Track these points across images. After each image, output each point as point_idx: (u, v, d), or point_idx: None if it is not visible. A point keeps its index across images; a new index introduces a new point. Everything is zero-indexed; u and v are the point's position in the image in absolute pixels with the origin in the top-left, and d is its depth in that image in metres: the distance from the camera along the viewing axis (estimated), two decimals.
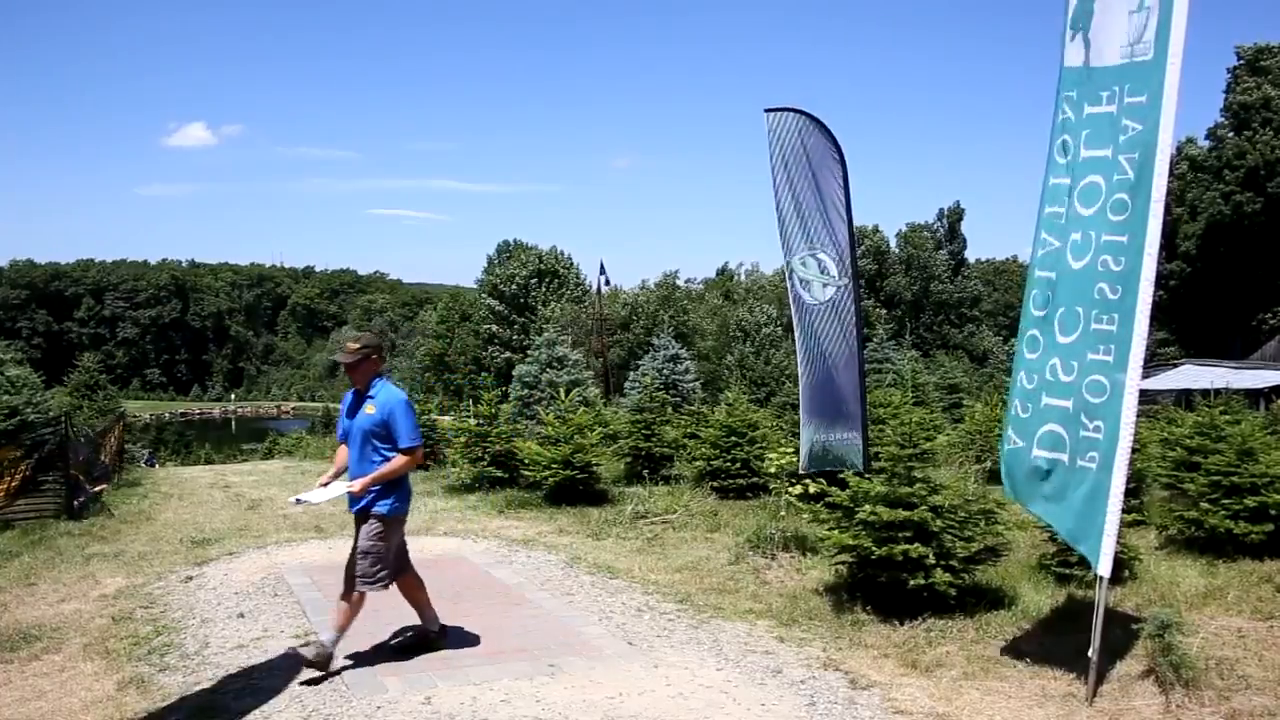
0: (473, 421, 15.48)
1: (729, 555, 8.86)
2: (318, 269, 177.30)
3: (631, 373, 32.42)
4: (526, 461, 12.82)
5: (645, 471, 13.93)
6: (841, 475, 7.77)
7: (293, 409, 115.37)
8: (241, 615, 7.18)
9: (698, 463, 12.98)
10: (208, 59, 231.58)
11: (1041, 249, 5.69)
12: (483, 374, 68.89)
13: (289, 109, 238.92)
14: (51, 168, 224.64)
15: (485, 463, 13.96)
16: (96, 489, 13.59)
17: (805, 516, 9.24)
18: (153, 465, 29.76)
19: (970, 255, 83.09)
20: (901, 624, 6.57)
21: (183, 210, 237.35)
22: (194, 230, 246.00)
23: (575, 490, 12.05)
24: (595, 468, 12.42)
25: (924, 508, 6.69)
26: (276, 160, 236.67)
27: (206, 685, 5.60)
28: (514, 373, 32.76)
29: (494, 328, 71.06)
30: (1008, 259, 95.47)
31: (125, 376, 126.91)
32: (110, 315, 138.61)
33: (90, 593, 8.02)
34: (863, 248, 73.62)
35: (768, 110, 8.15)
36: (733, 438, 12.49)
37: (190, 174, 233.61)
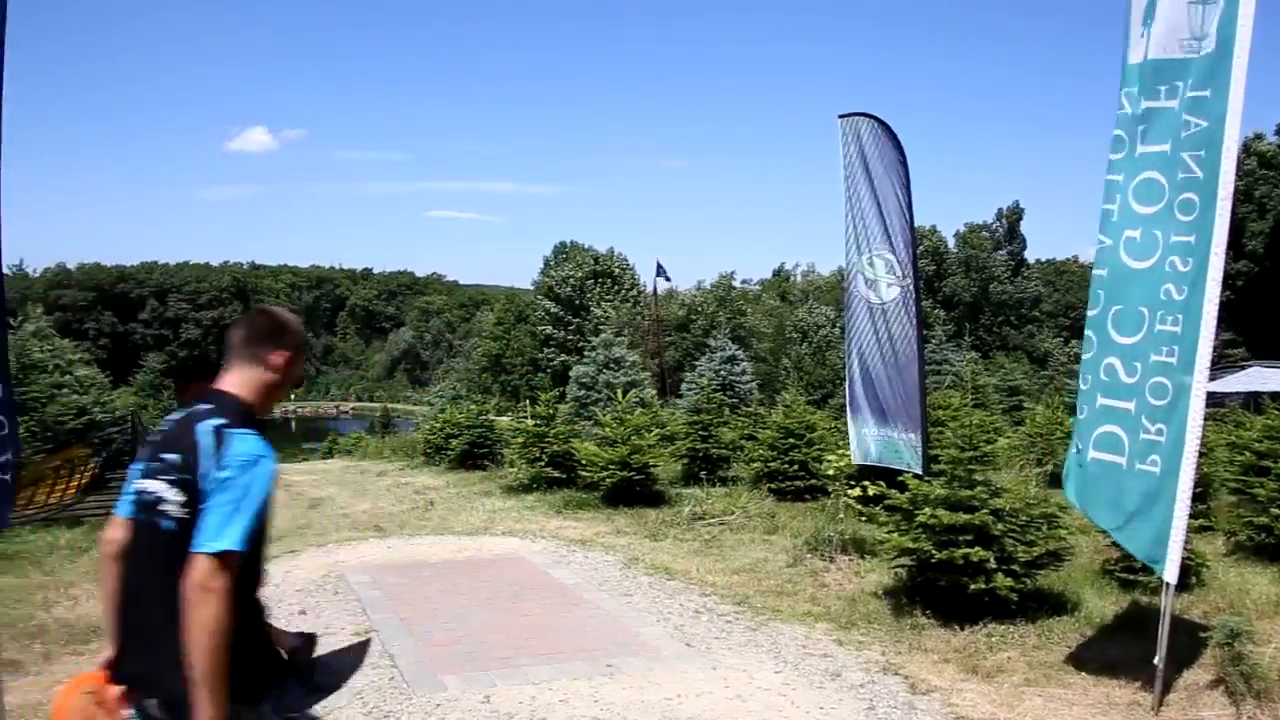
0: (530, 422, 15.60)
1: (787, 557, 8.86)
2: (376, 271, 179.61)
3: (688, 374, 32.43)
4: (584, 462, 12.88)
5: (702, 473, 13.94)
6: (901, 478, 7.74)
7: (351, 409, 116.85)
8: (303, 612, 7.31)
9: (755, 464, 12.95)
10: (268, 64, 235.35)
11: (1097, 247, 5.64)
12: (539, 375, 69.39)
13: (348, 113, 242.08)
14: (118, 172, 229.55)
15: (543, 463, 14.05)
16: None
17: (864, 519, 9.21)
18: None
19: (1030, 255, 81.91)
20: (962, 629, 6.52)
21: (244, 213, 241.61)
22: (255, 233, 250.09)
23: (632, 491, 12.09)
24: (652, 469, 12.45)
25: (985, 511, 6.64)
26: (336, 163, 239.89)
27: None
28: (571, 373, 32.94)
29: (549, 329, 71.41)
30: (1068, 259, 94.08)
31: (185, 380, 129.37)
32: (173, 316, 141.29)
33: None
34: (921, 248, 72.79)
35: (841, 116, 8.25)
36: (790, 439, 12.46)
37: (251, 177, 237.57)
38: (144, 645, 2.61)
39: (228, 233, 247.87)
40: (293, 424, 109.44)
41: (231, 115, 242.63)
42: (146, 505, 2.64)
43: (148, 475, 2.68)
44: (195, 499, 2.54)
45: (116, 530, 2.80)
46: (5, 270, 3.84)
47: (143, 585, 2.65)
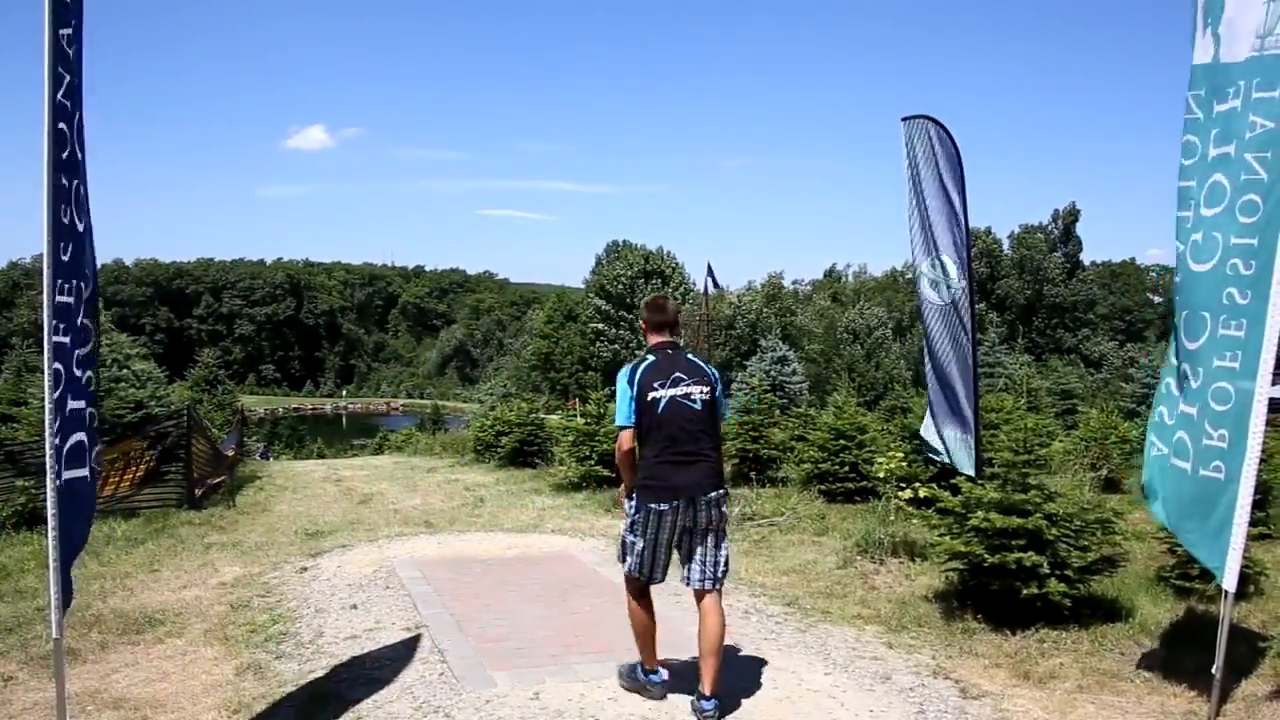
0: (580, 420, 15.69)
1: (837, 559, 8.83)
2: (428, 268, 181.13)
3: (739, 374, 32.35)
4: None
5: (752, 473, 13.92)
6: (954, 480, 7.69)
7: (402, 406, 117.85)
8: (354, 606, 7.41)
9: (805, 465, 12.92)
10: (325, 63, 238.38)
11: (1175, 252, 5.56)
12: (589, 373, 69.59)
13: (403, 111, 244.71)
14: (177, 170, 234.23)
15: (592, 461, 14.13)
16: (216, 480, 14.15)
17: (915, 521, 9.16)
18: (267, 459, 30.79)
19: (1086, 257, 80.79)
20: (1013, 634, 6.47)
21: (300, 211, 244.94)
22: (309, 230, 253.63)
23: None
24: None
25: (1038, 515, 6.58)
26: (390, 161, 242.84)
27: (320, 674, 5.81)
28: (619, 373, 32.93)
29: (601, 326, 71.64)
30: (1125, 261, 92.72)
31: (241, 372, 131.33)
32: (228, 312, 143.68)
33: (210, 580, 8.37)
34: (974, 250, 72.10)
35: (904, 119, 8.28)
36: (841, 441, 12.41)
37: (308, 175, 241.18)
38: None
39: (283, 230, 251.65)
40: (344, 420, 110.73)
41: (292, 114, 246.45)
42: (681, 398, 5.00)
43: (675, 385, 5.02)
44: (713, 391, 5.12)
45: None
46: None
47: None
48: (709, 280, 35.81)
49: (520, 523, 11.40)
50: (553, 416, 23.77)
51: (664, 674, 5.35)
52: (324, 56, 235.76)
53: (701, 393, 5.08)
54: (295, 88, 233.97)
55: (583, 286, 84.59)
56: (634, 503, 5.05)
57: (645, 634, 5.27)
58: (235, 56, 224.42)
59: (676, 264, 75.59)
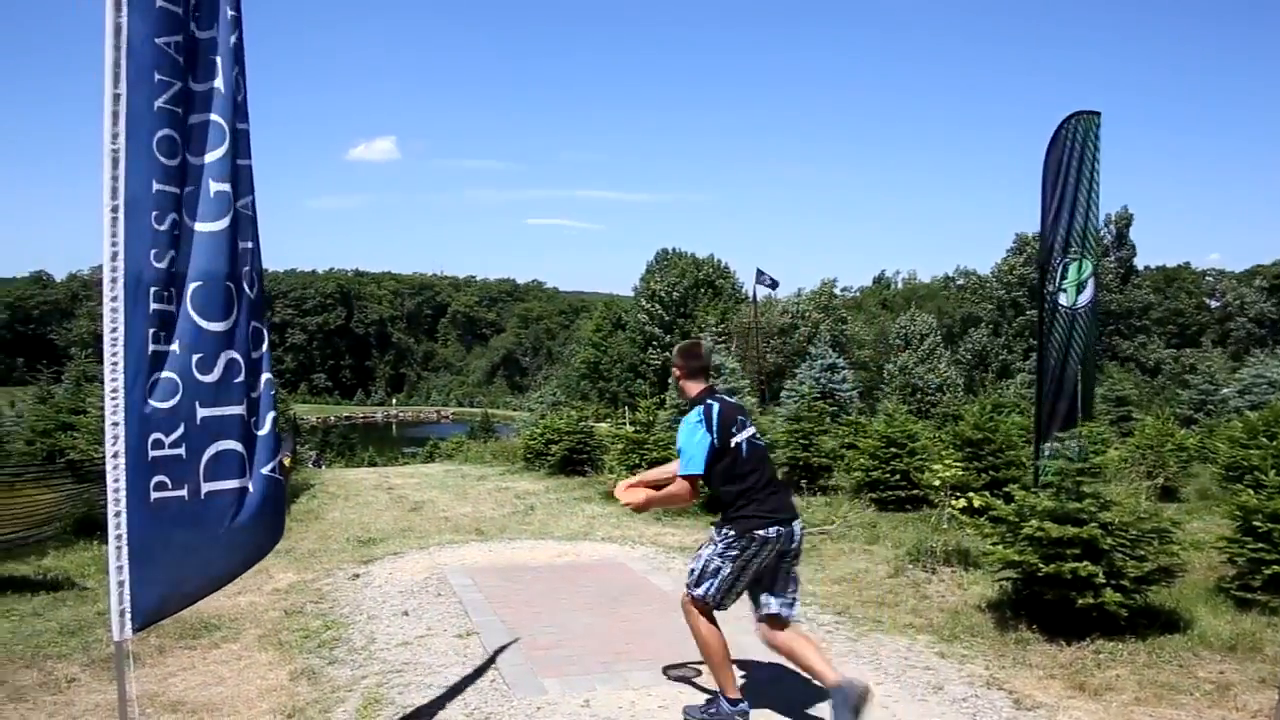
0: (629, 428, 15.73)
1: (888, 568, 8.79)
2: (477, 278, 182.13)
3: (788, 381, 32.24)
4: None
5: (803, 481, 13.88)
6: (1007, 489, 7.63)
7: (452, 414, 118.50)
8: (406, 613, 7.49)
9: (856, 473, 12.86)
10: (381, 74, 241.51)
11: None
12: (638, 381, 69.70)
13: (452, 123, 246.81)
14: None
15: (642, 469, 14.13)
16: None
17: (968, 530, 9.08)
18: (319, 466, 31.17)
19: (1139, 262, 79.40)
20: (1068, 644, 6.40)
21: (351, 222, 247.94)
22: (360, 240, 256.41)
23: None
24: None
25: (1094, 525, 6.51)
26: (440, 172, 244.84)
27: (373, 679, 5.89)
28: (670, 380, 32.98)
29: (654, 329, 71.77)
30: (1180, 265, 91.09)
31: (293, 381, 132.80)
32: (280, 322, 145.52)
33: (264, 586, 8.50)
34: (1024, 255, 71.39)
35: (1073, 115, 8.30)
36: (892, 449, 12.34)
37: (360, 186, 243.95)
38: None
39: (333, 240, 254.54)
40: (394, 428, 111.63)
41: (348, 125, 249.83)
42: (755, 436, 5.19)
43: (744, 428, 5.16)
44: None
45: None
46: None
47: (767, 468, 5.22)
48: (761, 284, 35.68)
49: (570, 530, 11.46)
50: (602, 425, 23.83)
51: (746, 703, 5.12)
52: (372, 66, 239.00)
53: (759, 431, 5.35)
54: (352, 100, 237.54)
55: (631, 295, 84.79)
56: (731, 530, 5.00)
57: (725, 659, 5.07)
58: (301, 70, 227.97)
59: (728, 272, 75.55)
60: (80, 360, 27.79)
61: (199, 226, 3.90)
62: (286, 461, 3.89)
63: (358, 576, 8.90)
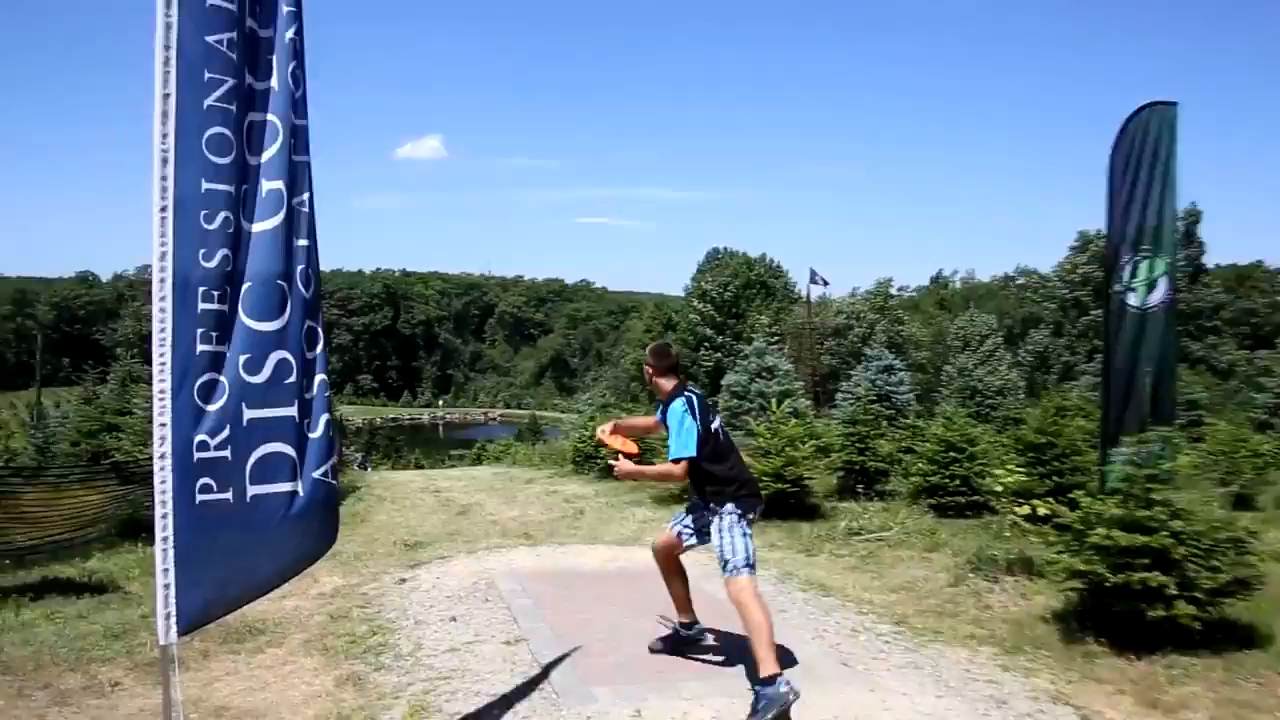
0: None
1: (948, 576, 8.67)
2: (525, 277, 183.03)
3: (843, 383, 32.05)
4: None
5: (859, 486, 13.77)
6: (1072, 495, 7.49)
7: (500, 416, 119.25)
8: (453, 619, 7.51)
9: (914, 478, 12.72)
10: (428, 73, 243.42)
11: None
12: (691, 382, 69.55)
13: (502, 120, 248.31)
14: None
15: None
16: None
17: (1032, 538, 8.94)
18: (366, 469, 31.45)
19: (1209, 260, 77.80)
20: (1138, 658, 6.26)
21: (398, 221, 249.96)
22: (406, 240, 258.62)
23: (786, 504, 12.00)
24: (807, 481, 12.33)
25: (1164, 533, 6.35)
26: (487, 171, 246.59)
27: (420, 686, 5.89)
28: (722, 382, 32.91)
29: (706, 329, 71.70)
30: (1252, 263, 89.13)
31: (339, 382, 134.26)
32: (326, 322, 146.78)
33: (309, 590, 8.55)
34: (1088, 253, 70.30)
35: (1143, 107, 8.20)
36: (951, 453, 12.18)
37: (407, 185, 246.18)
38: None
39: (380, 240, 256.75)
40: (441, 429, 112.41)
41: (394, 124, 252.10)
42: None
43: (715, 414, 6.15)
44: None
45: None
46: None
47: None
48: (815, 283, 35.52)
49: (621, 535, 11.44)
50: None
51: (784, 674, 5.35)
52: (418, 67, 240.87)
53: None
54: (398, 99, 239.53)
55: (682, 295, 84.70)
56: (735, 508, 5.86)
57: (772, 638, 5.42)
58: (335, 72, 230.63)
59: (781, 271, 75.26)
60: (126, 361, 28.27)
61: (252, 226, 3.92)
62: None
63: (404, 581, 8.95)
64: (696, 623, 6.62)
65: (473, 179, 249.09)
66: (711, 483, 5.93)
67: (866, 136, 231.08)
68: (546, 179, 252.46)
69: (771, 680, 5.23)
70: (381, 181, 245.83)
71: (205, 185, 3.72)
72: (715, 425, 6.01)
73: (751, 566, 5.67)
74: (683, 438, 5.78)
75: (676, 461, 5.83)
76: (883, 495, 13.52)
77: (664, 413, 6.06)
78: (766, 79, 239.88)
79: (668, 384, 6.08)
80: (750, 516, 5.90)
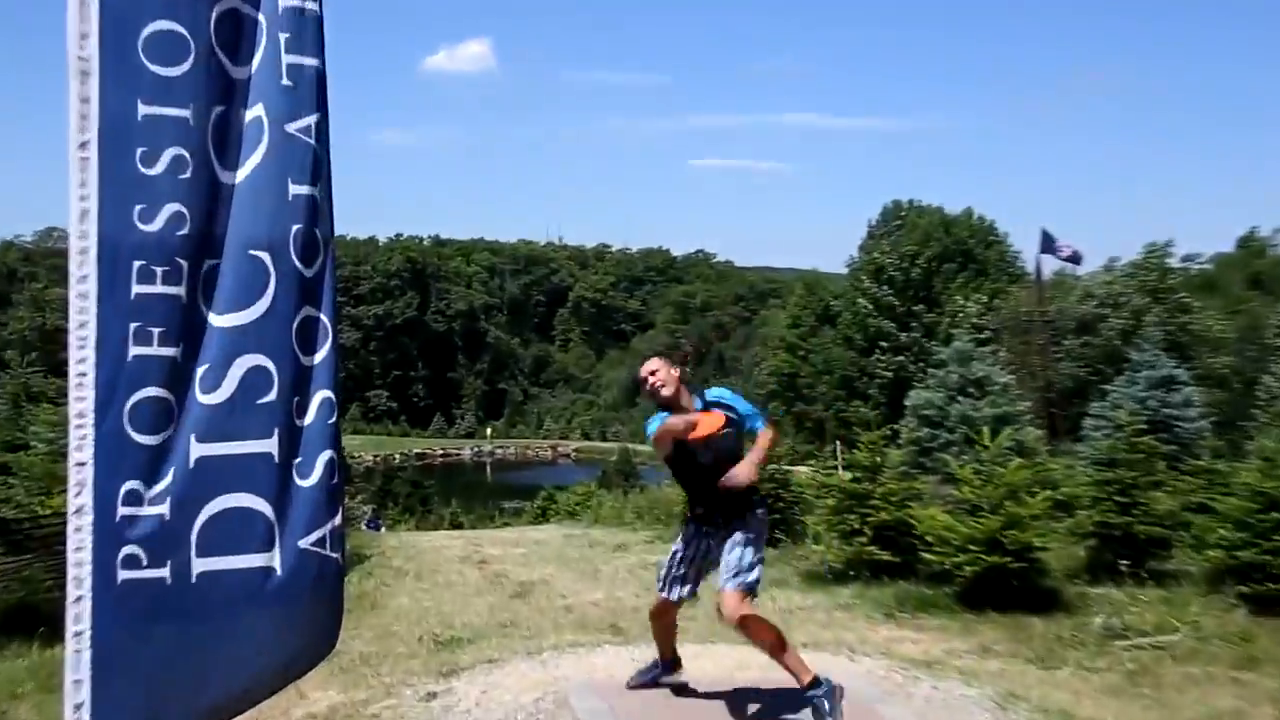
0: (844, 475, 15.56)
1: (1276, 710, 8.43)
2: (613, 248, 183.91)
3: (1094, 404, 31.54)
4: (929, 539, 12.71)
5: (1122, 562, 13.50)
6: None
7: (575, 451, 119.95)
8: None
9: (1213, 551, 12.43)
10: None
11: None
12: (855, 402, 69.25)
13: (575, 18, 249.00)
14: None
15: (864, 539, 13.98)
16: None
17: None
18: (377, 529, 31.88)
19: None
20: None
21: (425, 166, 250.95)
22: (440, 193, 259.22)
23: (1006, 587, 11.82)
24: (1038, 553, 12.14)
25: None
26: (555, 91, 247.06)
27: None
28: (906, 402, 32.69)
29: (882, 322, 71.32)
30: None
31: (342, 402, 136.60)
32: (338, 311, 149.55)
33: (293, 712, 8.54)
34: None
35: None
36: (1274, 514, 11.86)
37: (441, 113, 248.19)
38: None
39: (404, 193, 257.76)
40: (488, 470, 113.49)
41: (433, 26, 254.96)
42: None
43: None
44: None
45: None
46: None
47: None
48: (1052, 255, 35.08)
49: None
50: (801, 468, 23.69)
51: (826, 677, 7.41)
52: None
53: None
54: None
55: (844, 272, 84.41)
56: (764, 513, 7.91)
57: (792, 648, 7.55)
58: None
59: (994, 234, 74.47)
60: (19, 370, 28.85)
61: (222, 170, 3.88)
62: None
63: (433, 697, 8.97)
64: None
65: (534, 103, 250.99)
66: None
67: (1121, 35, 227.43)
68: (643, 102, 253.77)
69: (815, 683, 7.15)
70: (404, 107, 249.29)
71: (145, 109, 3.68)
72: None
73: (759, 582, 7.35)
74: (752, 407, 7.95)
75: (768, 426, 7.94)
76: (1161, 577, 13.24)
77: (707, 405, 7.64)
78: None
79: (683, 393, 7.66)
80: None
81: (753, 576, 7.22)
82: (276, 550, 3.92)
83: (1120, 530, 13.71)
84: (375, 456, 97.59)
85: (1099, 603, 11.67)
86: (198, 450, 3.76)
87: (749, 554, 7.26)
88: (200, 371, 3.78)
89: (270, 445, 3.91)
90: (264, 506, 3.89)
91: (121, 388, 3.62)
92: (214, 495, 3.80)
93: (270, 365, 3.92)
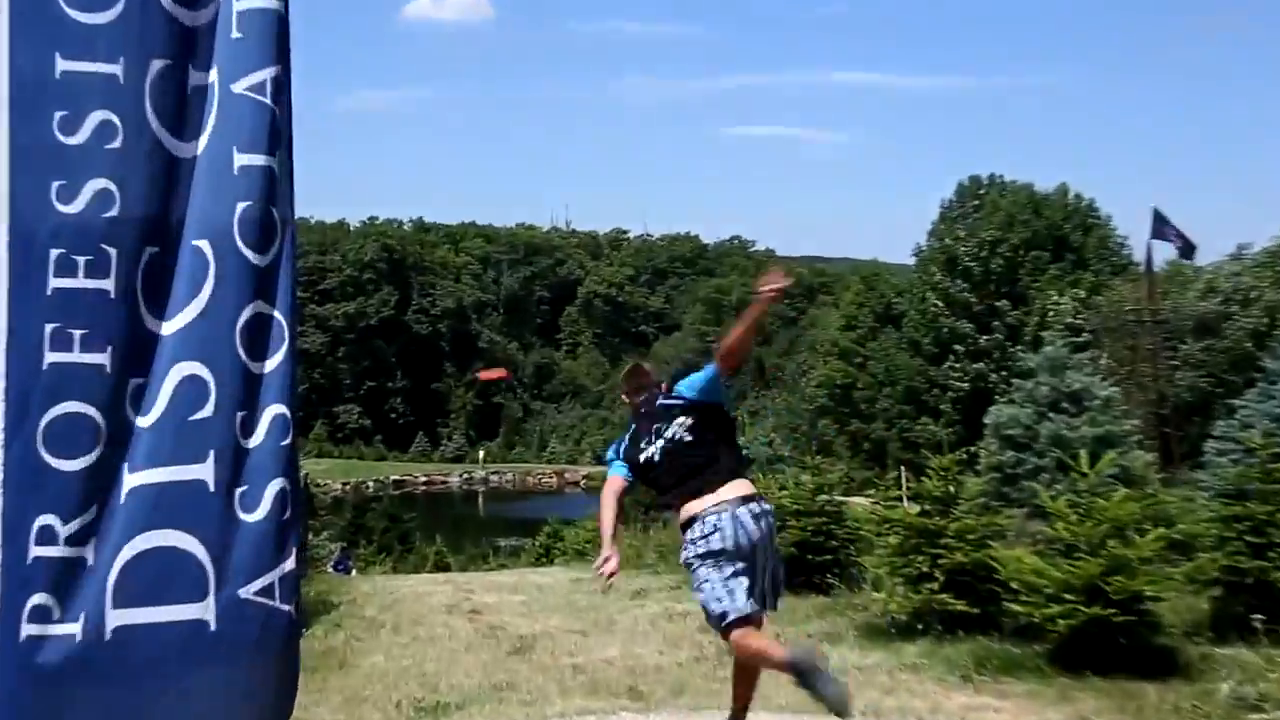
0: (910, 508, 15.53)
1: None
2: (630, 234, 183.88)
3: (1218, 422, 31.46)
4: (1014, 586, 12.68)
5: (1253, 616, 13.44)
6: None
7: (585, 479, 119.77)
8: None
9: None
10: None
11: None
12: (923, 420, 69.16)
13: None
14: None
15: (935, 585, 13.94)
16: None
17: None
18: (346, 571, 31.93)
19: None
20: None
21: (405, 133, 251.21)
22: (423, 168, 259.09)
23: (1110, 645, 11.78)
24: (1150, 603, 12.10)
25: None
26: (561, 45, 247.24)
27: None
28: (986, 420, 32.63)
29: (956, 323, 71.27)
30: None
31: (303, 417, 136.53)
32: (298, 309, 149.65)
33: None
34: None
35: None
36: None
37: (424, 70, 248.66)
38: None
39: (379, 168, 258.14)
40: (480, 500, 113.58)
41: None
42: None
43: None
44: None
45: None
46: None
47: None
48: (1165, 240, 35.03)
49: (803, 695, 11.33)
50: (859, 499, 23.67)
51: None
52: None
53: None
54: None
55: (911, 263, 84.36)
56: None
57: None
58: None
59: (1095, 215, 74.36)
60: None
61: (163, 138, 3.83)
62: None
63: None
64: None
65: (537, 57, 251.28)
66: (741, 465, 8.51)
67: None
68: (669, 58, 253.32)
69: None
70: (380, 63, 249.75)
71: (63, 65, 3.66)
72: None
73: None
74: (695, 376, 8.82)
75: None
76: None
77: (668, 409, 8.70)
78: None
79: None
80: None
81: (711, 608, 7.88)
82: (210, 599, 3.83)
83: (1252, 577, 13.63)
84: (344, 484, 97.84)
85: (1226, 665, 11.62)
86: (130, 480, 3.69)
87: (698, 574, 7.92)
88: (134, 384, 3.73)
89: (204, 471, 3.82)
90: (195, 546, 3.81)
91: (35, 402, 3.57)
92: (137, 532, 3.73)
93: (205, 373, 3.85)
